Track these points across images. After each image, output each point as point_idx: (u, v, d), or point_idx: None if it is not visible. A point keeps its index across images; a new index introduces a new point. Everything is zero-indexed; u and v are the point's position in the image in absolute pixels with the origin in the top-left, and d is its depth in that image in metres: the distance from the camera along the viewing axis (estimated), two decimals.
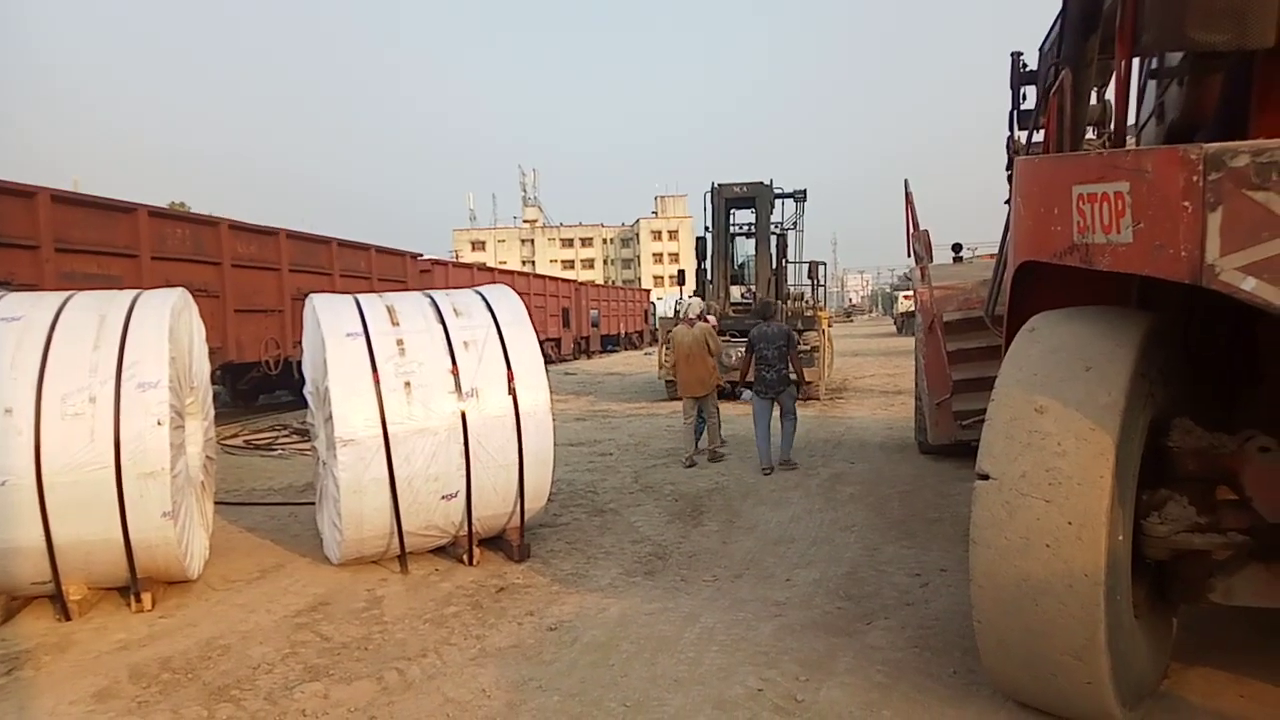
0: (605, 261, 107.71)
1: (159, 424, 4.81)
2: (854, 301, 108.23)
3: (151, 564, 5.02)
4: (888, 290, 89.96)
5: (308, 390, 6.20)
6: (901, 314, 47.68)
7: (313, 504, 6.81)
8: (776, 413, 9.28)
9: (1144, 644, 3.39)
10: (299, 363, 6.71)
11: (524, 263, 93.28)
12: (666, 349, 16.19)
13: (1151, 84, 4.96)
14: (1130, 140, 4.71)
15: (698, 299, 11.24)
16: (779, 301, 13.71)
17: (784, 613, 4.81)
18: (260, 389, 15.60)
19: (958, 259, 10.05)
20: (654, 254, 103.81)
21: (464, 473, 5.58)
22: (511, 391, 5.70)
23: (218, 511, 7.14)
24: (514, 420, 5.69)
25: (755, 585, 5.36)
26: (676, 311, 18.13)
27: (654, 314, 42.97)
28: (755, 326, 9.45)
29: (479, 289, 6.38)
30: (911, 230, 8.92)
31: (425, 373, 5.56)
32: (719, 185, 16.27)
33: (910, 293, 52.60)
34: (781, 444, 9.23)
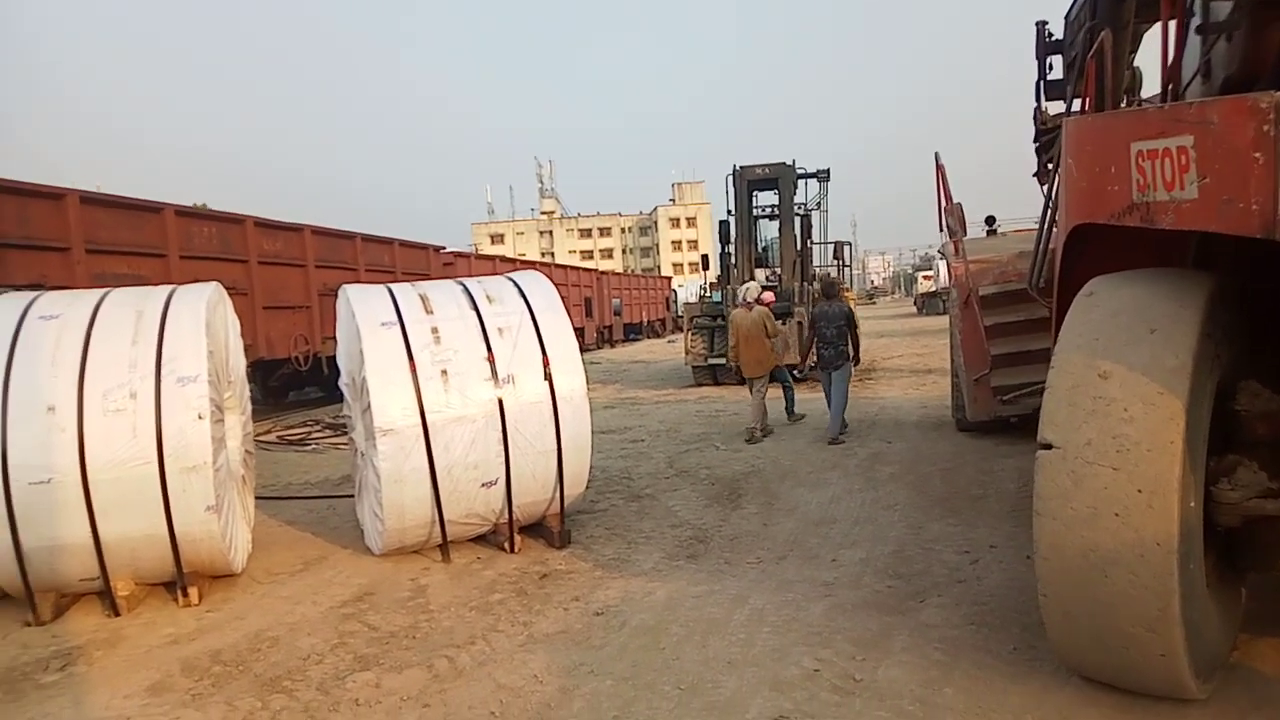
0: (624, 250, 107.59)
1: (200, 418, 4.81)
2: (875, 283, 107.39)
3: (196, 558, 5.03)
4: (909, 271, 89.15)
5: (343, 382, 6.19)
6: (921, 295, 46.58)
7: (350, 497, 6.82)
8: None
9: (1215, 614, 3.29)
10: (330, 358, 6.71)
11: (542, 254, 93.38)
12: (693, 333, 16.14)
13: (1194, 43, 4.81)
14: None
15: (755, 283, 11.53)
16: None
17: (833, 592, 4.74)
18: (290, 385, 15.69)
19: (991, 232, 9.89)
20: (673, 241, 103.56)
21: (503, 460, 5.55)
22: (547, 377, 5.66)
23: (257, 506, 7.18)
24: (551, 406, 5.65)
25: (801, 566, 5.29)
26: (702, 297, 18.03)
27: (676, 301, 42.91)
28: (817, 305, 9.95)
29: (511, 275, 6.34)
30: (944, 204, 8.77)
31: (461, 360, 5.53)
32: (741, 167, 16.12)
33: (930, 273, 50.99)
34: (831, 421, 9.50)
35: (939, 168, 8.73)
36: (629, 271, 54.02)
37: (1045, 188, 9.42)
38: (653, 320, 39.32)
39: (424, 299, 5.80)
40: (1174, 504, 2.89)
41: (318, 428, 11.90)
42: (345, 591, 5.21)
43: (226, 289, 6.09)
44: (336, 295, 6.19)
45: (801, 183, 16.90)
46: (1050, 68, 11.41)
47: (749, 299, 10.25)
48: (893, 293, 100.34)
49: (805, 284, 15.65)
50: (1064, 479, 3.08)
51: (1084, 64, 7.90)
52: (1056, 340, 3.52)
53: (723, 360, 15.74)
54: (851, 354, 9.70)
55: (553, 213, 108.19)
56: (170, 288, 5.51)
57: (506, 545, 5.82)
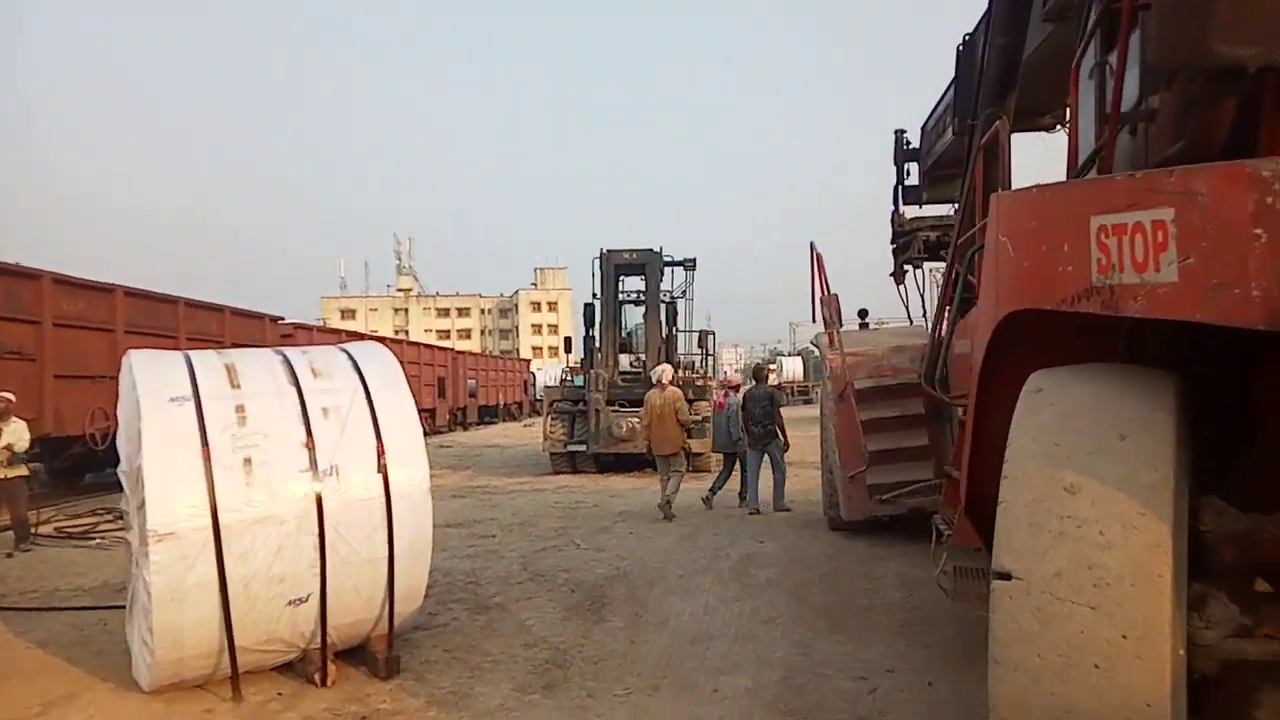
0: (483, 332, 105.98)
1: None
2: (728, 374, 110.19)
3: None
4: (760, 363, 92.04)
5: (121, 470, 4.99)
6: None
7: (124, 606, 5.49)
8: (756, 460, 10.74)
9: None
10: None
11: (397, 332, 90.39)
12: (553, 417, 15.32)
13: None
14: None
15: (668, 365, 12.31)
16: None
17: None
18: (86, 467, 13.64)
19: (864, 325, 9.71)
20: (533, 325, 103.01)
21: (318, 571, 4.50)
22: (382, 469, 4.70)
23: (3, 620, 5.73)
24: (384, 504, 4.68)
25: (677, 698, 4.48)
26: (563, 381, 17.31)
27: (534, 384, 41.97)
28: (747, 388, 11.30)
29: (343, 345, 5.39)
30: (822, 294, 8.48)
31: (272, 447, 4.50)
32: (608, 251, 15.75)
33: (774, 366, 53.99)
34: (775, 492, 10.43)
35: (817, 257, 8.47)
36: (486, 353, 52.69)
37: (942, 281, 9.36)
38: (510, 403, 38.13)
39: (230, 370, 4.76)
40: (1165, 652, 2.32)
41: (107, 518, 10.16)
42: None
43: (9, 354, 4.83)
44: None
45: (668, 270, 16.67)
46: (907, 174, 11.74)
47: (664, 380, 10.83)
48: (744, 384, 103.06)
49: (673, 369, 15.20)
50: (1028, 619, 2.46)
51: (970, 156, 7.91)
52: (969, 442, 2.98)
53: (583, 447, 14.98)
54: (780, 433, 10.56)
55: (410, 290, 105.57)
56: None
57: (317, 677, 4.71)
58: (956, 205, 10.99)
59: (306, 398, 4.73)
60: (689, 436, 10.88)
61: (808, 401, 49.24)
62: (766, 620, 5.82)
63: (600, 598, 6.56)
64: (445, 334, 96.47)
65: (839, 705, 4.30)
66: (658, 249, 15.98)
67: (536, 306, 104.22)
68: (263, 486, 4.39)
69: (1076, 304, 2.73)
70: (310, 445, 4.58)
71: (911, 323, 10.23)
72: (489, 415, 35.53)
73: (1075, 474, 2.54)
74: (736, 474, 11.32)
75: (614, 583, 6.99)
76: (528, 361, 47.56)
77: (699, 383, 16.22)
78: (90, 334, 12.07)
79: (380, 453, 4.73)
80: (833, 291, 8.38)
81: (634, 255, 15.77)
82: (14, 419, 8.62)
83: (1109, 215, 2.58)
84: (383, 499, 4.68)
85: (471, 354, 38.10)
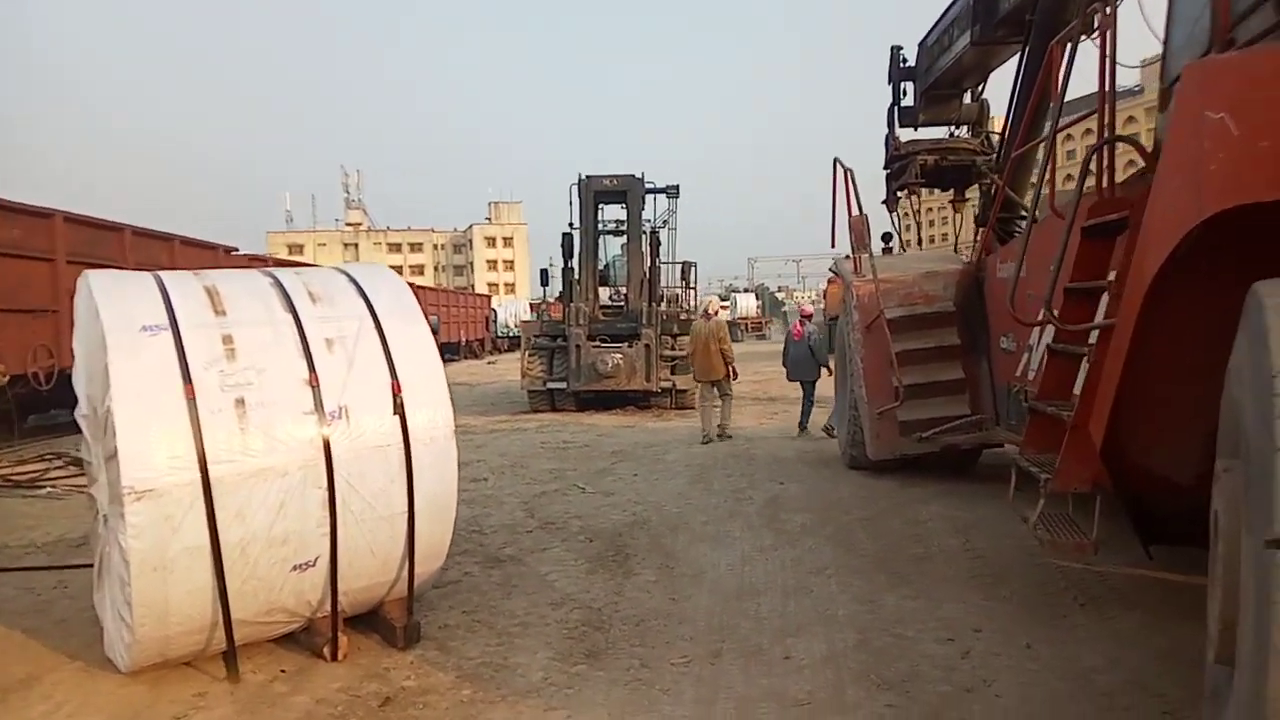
0: (436, 268, 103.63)
1: None
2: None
3: None
4: (706, 301, 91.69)
5: (80, 413, 4.20)
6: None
7: (89, 566, 4.73)
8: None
9: None
10: None
11: None
12: (530, 353, 14.61)
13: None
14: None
15: (715, 296, 13.83)
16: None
17: (817, 718, 3.41)
18: (29, 408, 12.59)
19: (888, 249, 9.10)
20: (488, 261, 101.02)
21: (327, 530, 3.82)
22: (399, 409, 3.99)
23: None
24: (402, 450, 3.98)
25: (747, 668, 3.93)
26: (540, 315, 16.56)
27: (495, 321, 41.00)
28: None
29: (345, 267, 4.62)
30: (851, 214, 7.81)
31: (268, 385, 3.76)
32: (587, 177, 14.85)
33: (726, 304, 55.88)
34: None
35: (847, 172, 7.77)
36: (443, 288, 51.27)
37: (982, 203, 8.71)
38: (472, 340, 37.12)
39: (212, 293, 3.98)
40: None
41: (57, 464, 9.28)
42: None
43: None
44: None
45: (649, 199, 15.85)
46: (904, 94, 11.02)
47: (710, 311, 11.55)
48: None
49: (653, 304, 14.53)
50: None
51: (1023, 63, 7.23)
52: (1119, 374, 2.35)
53: (563, 384, 14.33)
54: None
55: (359, 224, 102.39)
56: None
57: (327, 650, 4.06)
58: (954, 127, 10.43)
59: (306, 326, 3.97)
60: (725, 363, 11.02)
61: (761, 337, 49.17)
62: (815, 571, 5.30)
63: (622, 548, 5.98)
64: (398, 270, 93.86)
65: (935, 674, 3.78)
66: (639, 175, 15.12)
67: (491, 242, 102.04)
68: (259, 432, 3.66)
69: None
70: (314, 383, 3.84)
71: (905, 250, 9.71)
72: (450, 353, 34.55)
73: None
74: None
75: (634, 530, 6.42)
76: (488, 298, 46.38)
77: (683, 317, 15.59)
78: (27, 263, 10.95)
79: (396, 390, 4.01)
80: (863, 212, 7.71)
81: (615, 181, 14.90)
82: None
83: None
84: (400, 445, 3.98)
85: (432, 289, 36.89)
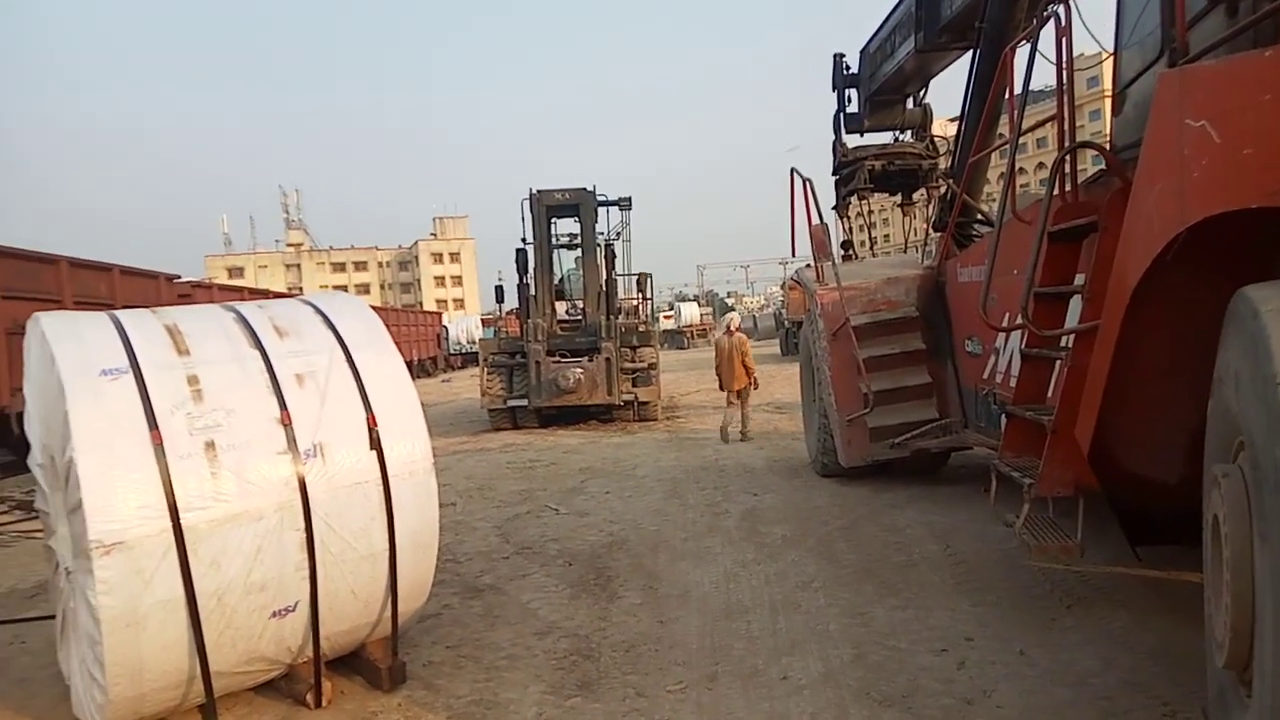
0: (383, 286, 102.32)
1: None
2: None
3: None
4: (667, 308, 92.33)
5: (34, 462, 3.99)
6: (663, 331, 49.13)
7: (51, 618, 4.47)
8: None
9: None
10: (19, 415, 4.48)
11: (291, 289, 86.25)
12: (490, 372, 14.45)
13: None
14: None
15: (735, 314, 14.36)
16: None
17: None
18: None
19: (847, 257, 9.16)
20: (435, 277, 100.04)
21: (306, 574, 3.67)
22: (375, 443, 3.86)
23: None
24: (380, 486, 3.85)
25: (745, 691, 3.87)
26: (498, 332, 16.33)
27: (447, 338, 40.48)
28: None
29: (308, 297, 4.46)
30: (810, 223, 7.83)
31: (238, 426, 3.60)
32: (539, 192, 14.72)
33: (670, 313, 56.46)
34: None
35: (805, 182, 7.80)
36: (392, 306, 50.49)
37: (937, 207, 8.79)
38: (423, 359, 36.61)
39: (173, 332, 3.80)
40: None
41: (2, 508, 8.86)
42: None
43: None
44: None
45: (602, 211, 15.77)
46: (849, 100, 11.15)
47: (731, 327, 12.36)
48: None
49: (611, 317, 14.46)
50: None
51: (974, 69, 7.32)
52: (1105, 377, 2.36)
53: (524, 402, 14.17)
54: None
55: (301, 245, 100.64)
56: None
57: (310, 697, 3.90)
58: (898, 132, 10.57)
59: (274, 363, 3.82)
60: (748, 373, 11.78)
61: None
62: (801, 585, 5.26)
63: (603, 570, 5.89)
64: (343, 289, 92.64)
65: (935, 687, 3.76)
66: (591, 188, 15.05)
67: (438, 258, 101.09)
68: (232, 475, 3.50)
69: None
70: (286, 421, 3.69)
71: (856, 257, 9.78)
72: None
73: None
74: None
75: (613, 551, 6.32)
76: (439, 315, 45.81)
77: (641, 328, 15.54)
78: None
79: (371, 423, 3.88)
80: (823, 220, 7.75)
81: (567, 195, 14.79)
82: None
83: None
84: (379, 481, 3.85)
85: (380, 309, 36.29)
